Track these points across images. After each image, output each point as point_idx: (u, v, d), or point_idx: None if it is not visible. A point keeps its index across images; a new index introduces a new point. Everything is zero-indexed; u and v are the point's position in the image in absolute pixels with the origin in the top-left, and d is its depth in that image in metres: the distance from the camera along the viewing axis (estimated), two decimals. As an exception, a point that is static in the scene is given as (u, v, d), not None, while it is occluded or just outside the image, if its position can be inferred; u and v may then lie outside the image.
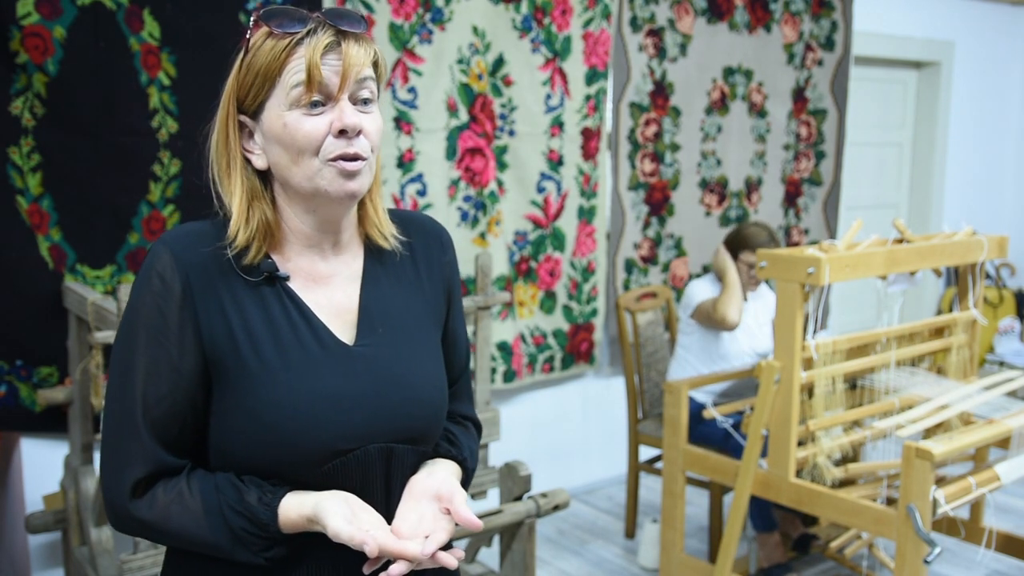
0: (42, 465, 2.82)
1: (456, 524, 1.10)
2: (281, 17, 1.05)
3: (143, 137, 2.79)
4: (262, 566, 1.07)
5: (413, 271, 1.20)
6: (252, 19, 1.07)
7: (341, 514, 1.02)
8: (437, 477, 1.13)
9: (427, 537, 1.06)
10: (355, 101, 1.07)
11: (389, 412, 1.10)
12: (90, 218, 2.76)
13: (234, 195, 1.09)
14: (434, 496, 1.10)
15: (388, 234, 1.17)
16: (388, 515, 1.10)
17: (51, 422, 2.78)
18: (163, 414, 1.05)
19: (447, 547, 1.09)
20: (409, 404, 1.12)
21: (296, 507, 1.04)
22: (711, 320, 3.16)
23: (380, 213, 1.17)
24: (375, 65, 1.10)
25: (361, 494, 1.08)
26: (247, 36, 1.08)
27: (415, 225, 1.23)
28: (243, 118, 1.09)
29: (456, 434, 1.25)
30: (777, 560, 3.08)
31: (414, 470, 1.15)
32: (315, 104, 1.05)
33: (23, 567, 2.84)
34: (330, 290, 1.13)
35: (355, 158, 1.06)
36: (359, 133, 1.06)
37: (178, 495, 1.05)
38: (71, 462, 2.65)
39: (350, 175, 1.06)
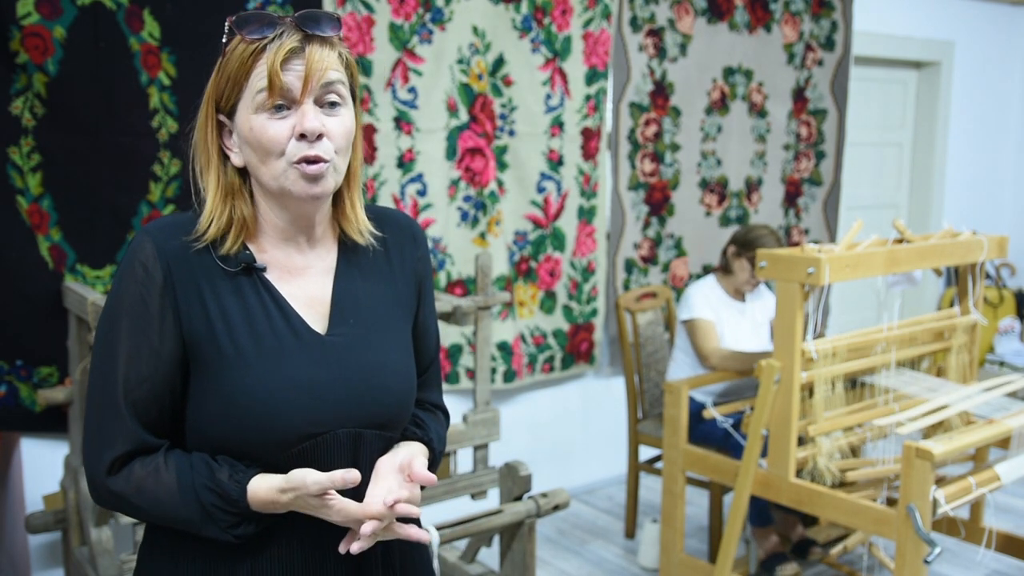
0: (42, 465, 2.82)
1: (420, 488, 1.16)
2: (251, 23, 1.09)
3: (143, 137, 2.79)
4: (231, 544, 1.11)
5: (386, 265, 1.24)
6: (226, 23, 1.10)
7: (314, 471, 1.08)
8: (400, 453, 1.18)
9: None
10: (322, 104, 1.10)
11: (358, 398, 1.15)
12: (90, 218, 2.76)
13: (209, 190, 1.14)
14: (398, 469, 1.15)
15: (364, 230, 1.21)
16: (355, 497, 1.14)
17: (51, 422, 2.78)
18: (143, 396, 1.10)
19: (417, 524, 1.18)
20: (377, 391, 1.17)
21: (266, 482, 1.09)
22: (695, 345, 3.21)
23: (357, 210, 1.21)
24: (347, 66, 1.13)
25: None
26: (224, 41, 1.11)
27: (389, 221, 1.27)
28: (222, 118, 1.13)
29: (424, 419, 1.30)
30: (774, 551, 3.09)
31: (381, 455, 1.19)
32: (279, 108, 1.08)
33: (23, 567, 2.84)
34: (304, 282, 1.17)
35: (316, 161, 1.09)
36: (320, 136, 1.09)
37: (154, 470, 1.10)
38: (71, 462, 2.64)
39: (312, 179, 1.10)
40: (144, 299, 1.09)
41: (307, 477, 1.06)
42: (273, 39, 1.08)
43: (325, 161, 1.10)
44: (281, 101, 1.08)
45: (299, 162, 1.09)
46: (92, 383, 1.12)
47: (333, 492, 1.07)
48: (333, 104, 1.11)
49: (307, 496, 1.07)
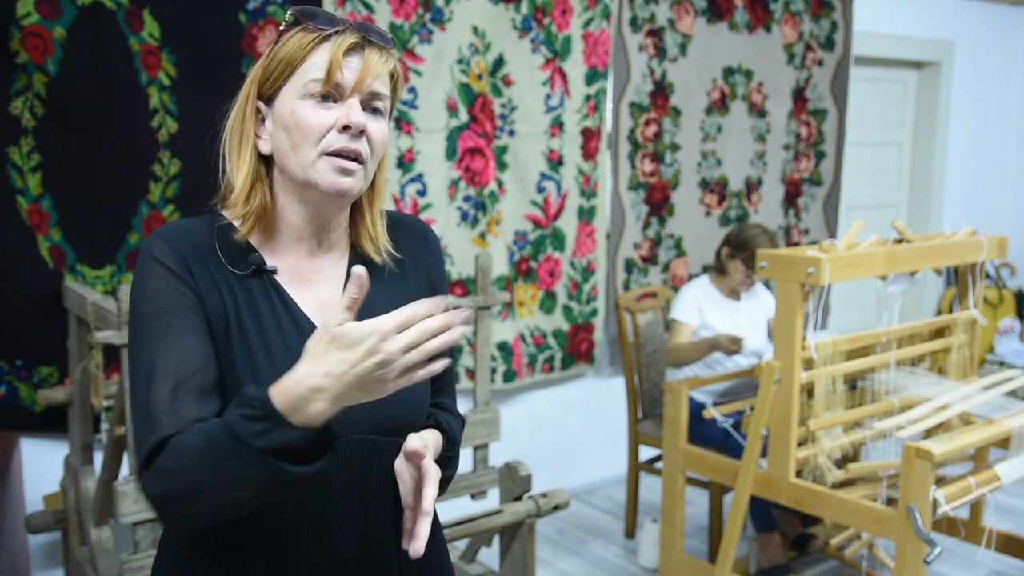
0: (42, 465, 2.82)
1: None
2: (316, 16, 1.12)
3: (143, 137, 2.79)
4: (227, 560, 1.07)
5: (398, 271, 1.24)
6: (288, 13, 1.14)
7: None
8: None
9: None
10: (365, 108, 1.12)
11: (370, 404, 1.10)
12: (90, 218, 2.76)
13: (240, 170, 1.14)
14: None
15: (383, 250, 1.21)
16: (366, 505, 1.14)
17: (51, 422, 2.78)
18: (194, 391, 1.04)
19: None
20: (390, 397, 1.12)
21: (290, 371, 0.97)
22: (668, 337, 3.29)
23: (379, 229, 1.21)
24: (393, 79, 1.16)
25: (341, 483, 1.12)
26: (281, 28, 1.14)
27: (401, 225, 1.27)
28: (259, 103, 1.15)
29: (436, 412, 1.28)
30: (777, 560, 3.08)
31: (394, 462, 1.17)
32: (326, 98, 1.10)
33: (23, 567, 2.84)
34: (315, 286, 1.17)
35: (353, 157, 1.10)
36: (362, 133, 1.10)
37: (183, 433, 1.02)
38: (71, 462, 2.64)
39: (344, 171, 1.10)
40: (174, 289, 1.07)
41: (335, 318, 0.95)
42: (335, 33, 1.11)
43: (361, 162, 1.11)
44: (331, 92, 1.10)
45: (334, 153, 1.09)
46: (134, 401, 1.06)
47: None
48: (375, 110, 1.13)
49: (331, 333, 0.94)
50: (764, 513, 3.07)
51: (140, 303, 1.08)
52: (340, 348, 0.94)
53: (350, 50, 1.10)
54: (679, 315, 3.26)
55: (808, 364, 2.55)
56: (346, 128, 1.09)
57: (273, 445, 0.95)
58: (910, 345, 2.82)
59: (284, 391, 0.96)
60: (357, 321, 0.97)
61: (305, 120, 1.09)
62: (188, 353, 1.05)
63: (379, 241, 1.21)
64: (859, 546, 3.06)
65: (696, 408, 3.12)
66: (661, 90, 3.97)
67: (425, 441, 1.14)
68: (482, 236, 3.52)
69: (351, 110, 1.09)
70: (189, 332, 1.07)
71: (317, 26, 1.11)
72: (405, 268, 1.24)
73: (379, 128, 1.12)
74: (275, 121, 1.13)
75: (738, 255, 3.21)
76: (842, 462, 2.67)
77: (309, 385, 0.95)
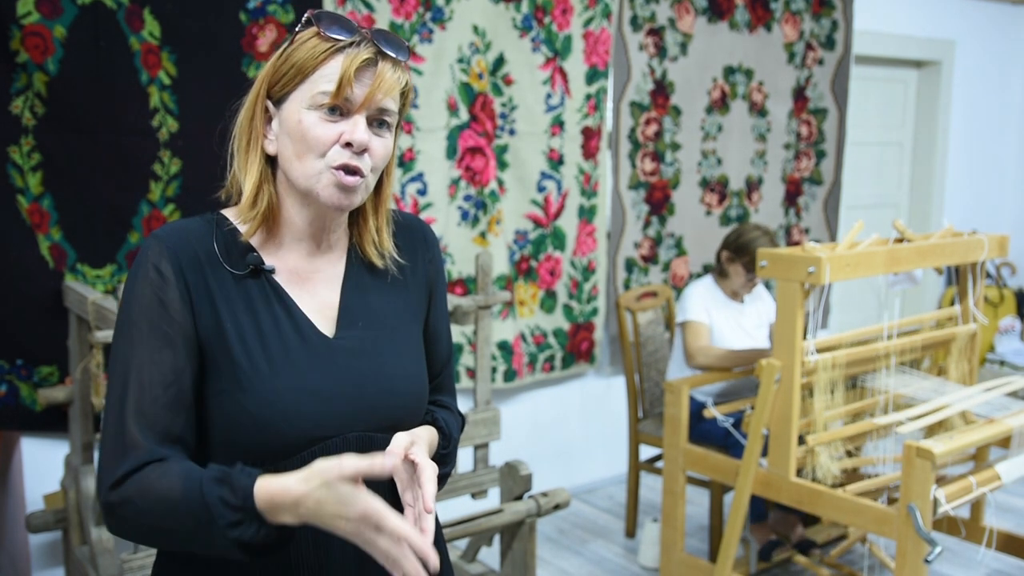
0: (42, 464, 2.82)
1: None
2: (333, 22, 1.10)
3: (143, 137, 2.79)
4: (227, 562, 1.06)
5: (397, 269, 1.24)
6: (305, 15, 1.12)
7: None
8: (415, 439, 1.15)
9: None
10: (371, 122, 1.12)
11: (367, 402, 1.14)
12: (90, 218, 2.76)
13: (249, 173, 1.14)
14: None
15: (387, 253, 1.22)
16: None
17: (51, 421, 2.78)
18: (168, 402, 1.06)
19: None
20: (387, 394, 1.16)
21: (280, 477, 1.00)
22: (684, 345, 3.20)
23: (384, 233, 1.22)
24: (403, 94, 1.15)
25: None
26: (296, 29, 1.13)
27: (400, 225, 1.28)
28: (268, 103, 1.14)
29: (433, 409, 1.28)
30: (768, 539, 3.12)
31: None
32: (334, 110, 1.09)
33: (23, 567, 2.84)
34: (313, 286, 1.18)
35: (355, 172, 1.10)
36: (364, 151, 1.10)
37: (163, 470, 1.04)
38: (71, 461, 2.65)
39: (346, 189, 1.10)
40: (161, 300, 1.08)
41: (334, 460, 0.98)
42: (351, 44, 1.09)
43: (362, 176, 1.11)
44: (339, 106, 1.09)
45: (339, 168, 1.09)
46: (111, 394, 1.08)
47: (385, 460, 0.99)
48: (381, 124, 1.13)
49: (334, 484, 0.97)
50: (755, 505, 3.10)
51: (128, 304, 1.10)
52: (333, 499, 0.98)
53: (364, 64, 1.09)
54: (693, 316, 3.20)
55: (808, 366, 2.55)
56: (348, 145, 1.09)
57: (243, 537, 1.00)
58: (910, 345, 2.81)
59: (268, 492, 0.99)
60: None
61: (310, 132, 1.09)
62: (164, 365, 1.07)
63: (384, 246, 1.21)
64: (849, 544, 3.06)
65: (696, 407, 3.12)
66: (661, 89, 3.96)
67: (415, 438, 1.13)
68: (482, 235, 3.52)
69: (356, 128, 1.09)
70: (167, 345, 1.07)
71: (332, 35, 1.09)
72: (404, 268, 1.25)
73: (383, 144, 1.12)
74: (282, 125, 1.12)
75: (738, 259, 3.20)
76: (843, 460, 2.67)
77: (293, 497, 0.98)
